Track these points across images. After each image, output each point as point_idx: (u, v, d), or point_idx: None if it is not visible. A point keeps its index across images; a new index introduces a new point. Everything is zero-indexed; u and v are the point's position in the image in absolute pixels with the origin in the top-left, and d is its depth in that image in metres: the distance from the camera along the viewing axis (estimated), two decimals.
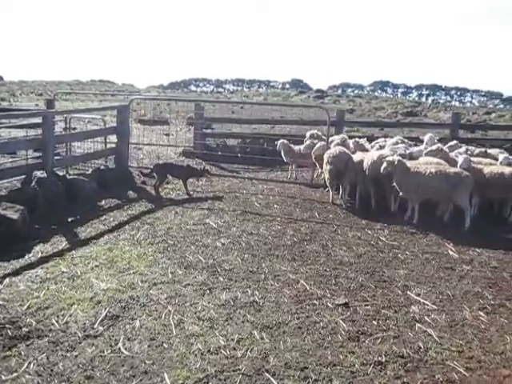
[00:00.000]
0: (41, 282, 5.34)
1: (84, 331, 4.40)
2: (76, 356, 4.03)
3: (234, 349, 4.21)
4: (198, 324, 4.60)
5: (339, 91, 53.41)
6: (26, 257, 6.06)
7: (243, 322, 4.67)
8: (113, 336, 4.35)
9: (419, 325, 4.70)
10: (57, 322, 4.54)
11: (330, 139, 9.64)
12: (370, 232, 7.39)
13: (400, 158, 7.57)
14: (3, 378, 3.72)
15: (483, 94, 74.38)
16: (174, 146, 12.66)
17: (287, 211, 8.39)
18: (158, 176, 9.10)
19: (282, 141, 10.49)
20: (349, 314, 4.89)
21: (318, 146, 9.35)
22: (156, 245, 6.55)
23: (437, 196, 7.54)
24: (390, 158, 7.55)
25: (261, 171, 11.83)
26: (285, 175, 11.44)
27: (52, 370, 3.84)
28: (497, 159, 8.48)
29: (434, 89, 78.26)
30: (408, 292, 5.41)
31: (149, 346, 4.21)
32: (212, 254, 6.28)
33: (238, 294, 5.21)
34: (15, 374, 3.75)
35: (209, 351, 4.16)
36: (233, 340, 4.33)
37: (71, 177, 8.15)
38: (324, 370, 3.95)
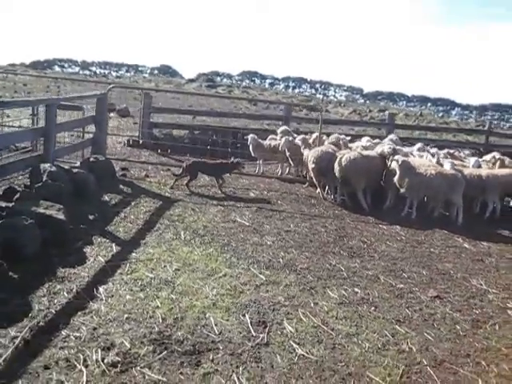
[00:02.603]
0: (142, 290, 5.01)
1: (248, 340, 4.33)
2: (273, 366, 4.00)
3: (403, 344, 4.52)
4: (344, 323, 4.78)
5: (201, 78, 53.36)
6: (89, 262, 5.56)
7: (376, 318, 4.97)
8: (282, 342, 4.35)
9: (510, 312, 5.44)
10: (210, 332, 4.37)
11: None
12: (385, 228, 8.04)
13: (404, 158, 8.33)
14: None
15: (345, 88, 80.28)
16: (115, 135, 11.98)
17: (295, 207, 8.67)
18: (190, 175, 8.77)
19: (252, 135, 10.63)
20: (449, 305, 5.45)
21: (298, 140, 9.72)
22: (209, 244, 6.43)
23: (435, 194, 8.46)
24: (396, 157, 8.26)
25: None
26: (247, 169, 11.52)
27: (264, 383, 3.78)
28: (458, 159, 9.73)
29: (300, 81, 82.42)
30: (472, 283, 6.14)
31: (325, 349, 4.32)
32: (274, 253, 6.37)
33: (342, 292, 5.46)
34: None
35: (385, 348, 4.42)
36: (393, 336, 4.63)
37: (76, 170, 7.42)
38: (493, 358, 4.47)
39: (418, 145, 10.33)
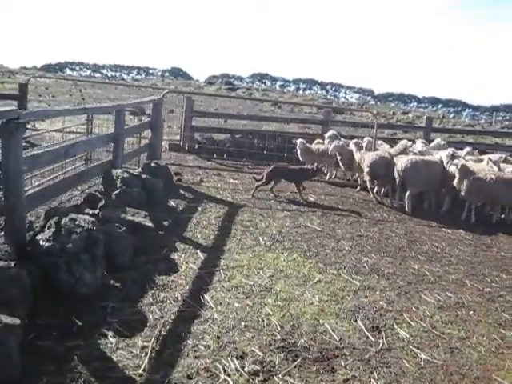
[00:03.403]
0: (247, 297, 5.05)
1: (370, 346, 4.38)
2: (403, 371, 4.04)
3: None
4: (452, 328, 4.86)
5: (219, 81, 53.64)
6: (182, 269, 5.57)
7: (478, 321, 5.04)
8: (402, 347, 4.41)
9: None
10: (331, 339, 4.42)
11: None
12: (450, 231, 8.11)
13: (463, 162, 8.39)
14: None
15: (356, 90, 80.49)
16: None
17: (358, 211, 8.73)
18: (267, 180, 8.93)
19: (300, 140, 10.73)
20: None
21: (351, 144, 9.79)
22: (291, 250, 6.47)
23: (495, 199, 8.52)
24: (455, 161, 8.33)
25: (263, 168, 11.78)
26: None
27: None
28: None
29: (311, 83, 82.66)
30: None
31: (445, 353, 4.37)
32: (356, 258, 6.43)
33: (436, 296, 5.54)
34: None
35: (499, 351, 4.48)
36: (502, 340, 4.70)
37: (145, 176, 7.45)
38: None
39: (467, 149, 10.41)
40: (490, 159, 8.95)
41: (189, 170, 10.48)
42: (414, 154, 9.59)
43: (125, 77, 61.75)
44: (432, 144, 10.99)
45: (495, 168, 8.67)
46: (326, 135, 10.97)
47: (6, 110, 4.51)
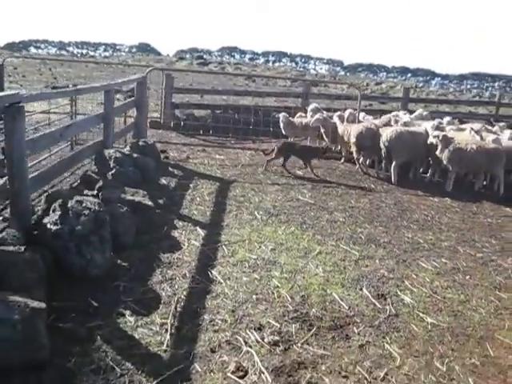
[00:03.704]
0: (253, 271, 5.16)
1: (379, 312, 4.56)
2: (413, 335, 4.24)
3: None
4: (452, 292, 5.08)
5: (188, 55, 52.77)
6: (184, 247, 5.64)
7: (475, 285, 5.28)
8: (409, 312, 4.60)
9: None
10: (340, 307, 4.58)
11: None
12: (436, 200, 8.36)
13: (445, 133, 8.62)
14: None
15: (325, 61, 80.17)
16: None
17: (345, 183, 8.90)
18: (280, 154, 8.98)
19: (283, 114, 10.78)
20: None
21: (335, 117, 9.91)
22: (287, 223, 6.59)
23: (477, 168, 8.78)
24: (436, 133, 8.54)
25: (246, 143, 11.86)
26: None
27: (415, 350, 4.02)
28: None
29: (280, 55, 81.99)
30: None
31: (448, 316, 4.60)
32: (352, 229, 6.59)
33: (433, 263, 5.75)
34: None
35: (497, 312, 4.74)
36: (499, 301, 4.95)
37: (136, 155, 7.42)
38: None
39: (447, 118, 10.64)
40: (472, 129, 9.18)
41: (173, 147, 10.45)
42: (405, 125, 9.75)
43: (92, 54, 60.29)
44: (414, 114, 11.20)
45: (477, 137, 8.92)
46: (309, 108, 11.06)
47: (8, 94, 4.44)
